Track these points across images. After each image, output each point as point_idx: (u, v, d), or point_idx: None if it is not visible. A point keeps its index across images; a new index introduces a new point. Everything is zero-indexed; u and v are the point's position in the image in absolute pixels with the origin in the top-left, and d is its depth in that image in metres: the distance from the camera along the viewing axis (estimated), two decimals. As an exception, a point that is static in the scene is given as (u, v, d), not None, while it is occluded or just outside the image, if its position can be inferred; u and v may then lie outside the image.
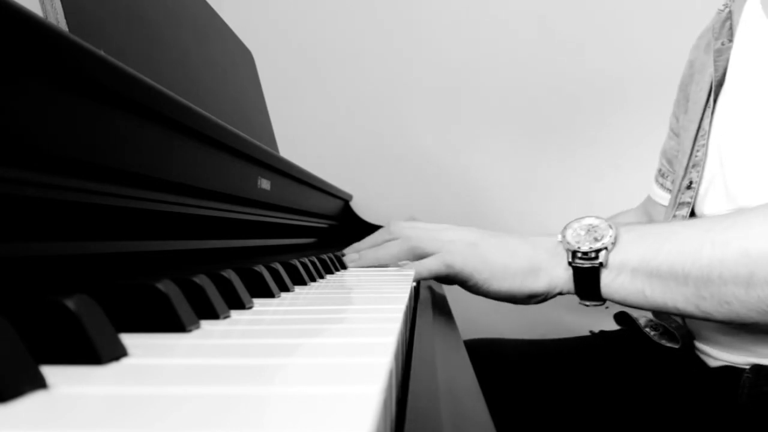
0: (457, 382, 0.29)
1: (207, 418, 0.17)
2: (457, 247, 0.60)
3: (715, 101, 0.70)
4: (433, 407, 0.24)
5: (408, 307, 0.43)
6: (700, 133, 0.71)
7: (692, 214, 0.70)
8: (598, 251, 0.54)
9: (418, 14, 1.39)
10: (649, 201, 0.93)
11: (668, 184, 0.86)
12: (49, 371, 0.20)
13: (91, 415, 0.18)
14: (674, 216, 0.72)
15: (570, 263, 0.55)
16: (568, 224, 0.58)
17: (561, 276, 0.57)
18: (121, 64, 0.33)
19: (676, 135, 0.84)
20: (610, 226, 0.55)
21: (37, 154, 0.28)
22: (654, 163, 0.91)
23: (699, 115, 0.71)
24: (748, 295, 0.48)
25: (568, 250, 0.56)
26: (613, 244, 0.54)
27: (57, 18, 0.43)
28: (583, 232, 0.56)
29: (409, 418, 0.23)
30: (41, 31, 0.27)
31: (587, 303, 0.58)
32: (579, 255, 0.55)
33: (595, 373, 0.72)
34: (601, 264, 0.54)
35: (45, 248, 0.32)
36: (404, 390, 0.27)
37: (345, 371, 0.23)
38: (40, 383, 0.19)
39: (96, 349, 0.22)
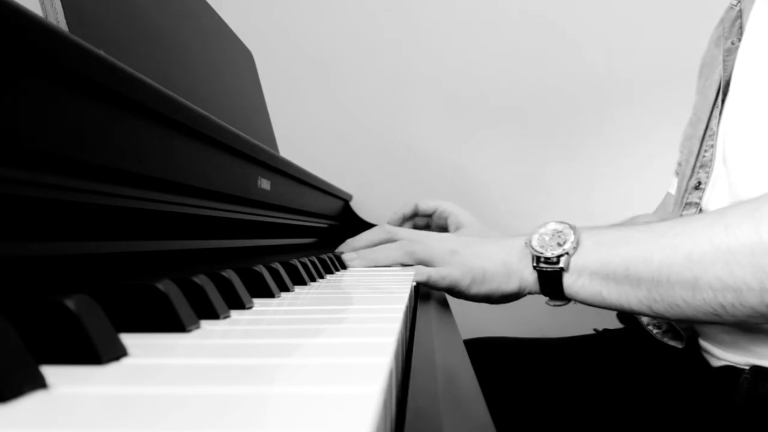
0: (457, 382, 0.29)
1: (207, 418, 0.17)
2: (442, 255, 0.63)
3: (723, 101, 0.68)
4: (433, 407, 0.24)
5: (408, 307, 0.43)
6: (708, 132, 0.70)
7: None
8: (559, 256, 0.57)
9: (418, 14, 1.39)
10: (669, 198, 0.89)
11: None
12: (49, 371, 0.20)
13: (91, 415, 0.18)
14: (681, 215, 0.71)
15: (534, 267, 0.59)
16: (534, 229, 0.61)
17: (529, 278, 0.61)
18: (121, 64, 0.33)
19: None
20: (573, 232, 0.58)
21: (37, 154, 0.28)
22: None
23: (707, 114, 0.70)
24: (694, 299, 0.51)
25: (533, 255, 0.59)
26: (575, 248, 0.58)
27: (57, 18, 0.43)
28: (547, 237, 0.59)
29: (409, 418, 0.23)
30: (41, 31, 0.27)
31: (552, 303, 0.62)
32: (542, 259, 0.58)
33: (597, 371, 0.72)
34: (562, 268, 0.57)
35: (45, 248, 0.32)
36: (404, 390, 0.27)
37: (345, 371, 0.23)
38: (40, 383, 0.19)
39: (96, 349, 0.22)
